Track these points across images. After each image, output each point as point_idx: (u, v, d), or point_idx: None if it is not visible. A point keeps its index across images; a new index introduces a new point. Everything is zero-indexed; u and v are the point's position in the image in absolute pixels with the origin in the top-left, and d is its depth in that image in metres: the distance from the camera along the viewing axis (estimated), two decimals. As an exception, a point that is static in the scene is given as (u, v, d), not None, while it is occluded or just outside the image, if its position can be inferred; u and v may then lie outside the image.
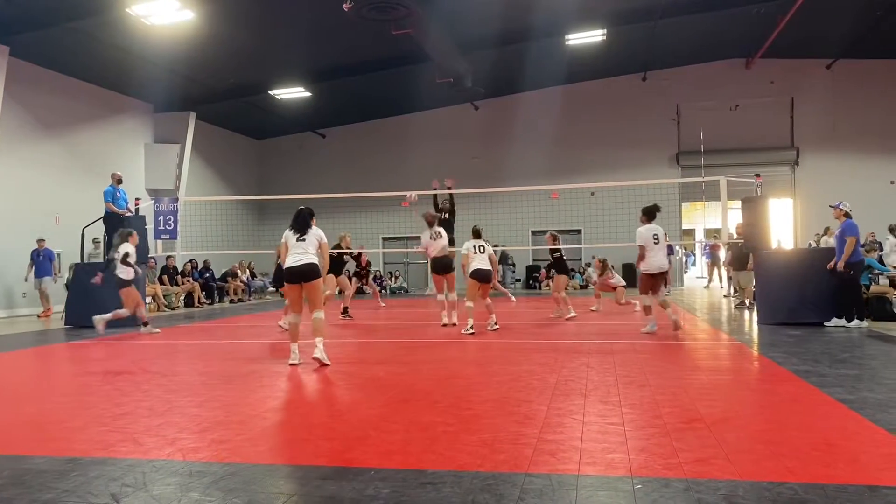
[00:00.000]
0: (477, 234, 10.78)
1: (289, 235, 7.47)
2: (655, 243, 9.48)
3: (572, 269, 18.06)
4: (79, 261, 13.66)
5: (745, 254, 13.33)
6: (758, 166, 18.34)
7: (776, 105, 22.96)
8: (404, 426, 4.48)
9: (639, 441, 3.97)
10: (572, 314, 12.11)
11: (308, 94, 20.81)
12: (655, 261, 9.51)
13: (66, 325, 12.60)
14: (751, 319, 11.72)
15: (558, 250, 12.48)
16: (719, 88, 23.00)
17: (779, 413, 4.74)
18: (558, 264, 12.46)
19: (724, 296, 17.81)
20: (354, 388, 6.00)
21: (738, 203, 12.38)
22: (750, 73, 22.82)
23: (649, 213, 9.75)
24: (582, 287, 22.60)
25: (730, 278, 17.13)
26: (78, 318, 12.33)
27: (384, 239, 23.91)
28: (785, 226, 22.59)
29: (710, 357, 7.74)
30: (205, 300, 18.98)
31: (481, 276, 10.31)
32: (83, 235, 13.58)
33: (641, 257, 9.59)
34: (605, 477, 3.36)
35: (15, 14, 13.80)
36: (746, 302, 14.07)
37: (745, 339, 8.99)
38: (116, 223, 13.05)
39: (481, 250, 10.44)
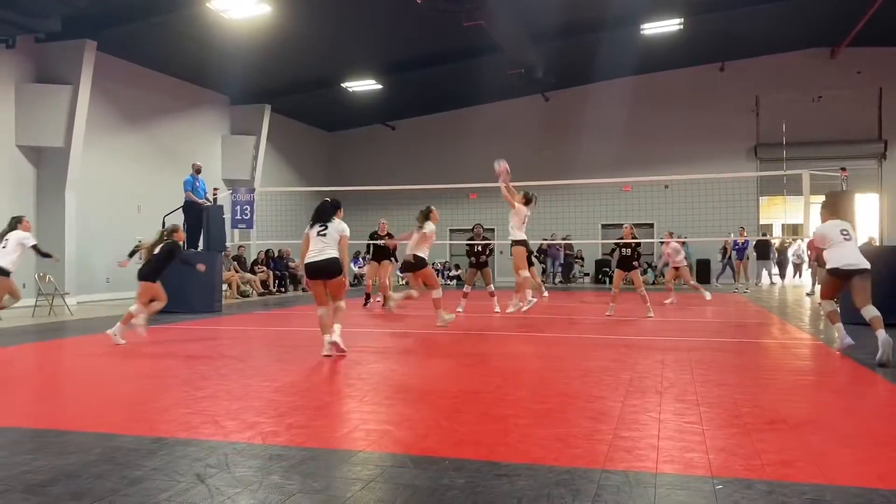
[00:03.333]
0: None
1: (311, 231, 7.28)
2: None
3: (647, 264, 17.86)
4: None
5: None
6: (842, 160, 17.57)
7: (863, 96, 21.96)
8: (475, 417, 4.48)
9: (718, 441, 3.87)
10: (651, 314, 11.38)
11: (379, 86, 21.00)
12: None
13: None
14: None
15: (637, 244, 11.85)
16: (802, 78, 22.14)
17: (866, 417, 4.55)
18: (629, 261, 11.81)
19: (807, 294, 17.19)
20: (425, 378, 6.04)
21: (822, 198, 11.88)
22: (835, 63, 21.90)
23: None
24: (652, 283, 22.29)
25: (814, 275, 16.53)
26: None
27: (451, 231, 23.92)
28: (871, 222, 21.62)
29: (790, 357, 7.48)
30: (279, 288, 19.44)
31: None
32: (164, 223, 14.05)
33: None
34: (684, 476, 3.28)
35: (102, 11, 14.38)
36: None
37: (827, 339, 8.65)
38: (196, 212, 13.51)
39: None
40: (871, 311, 6.86)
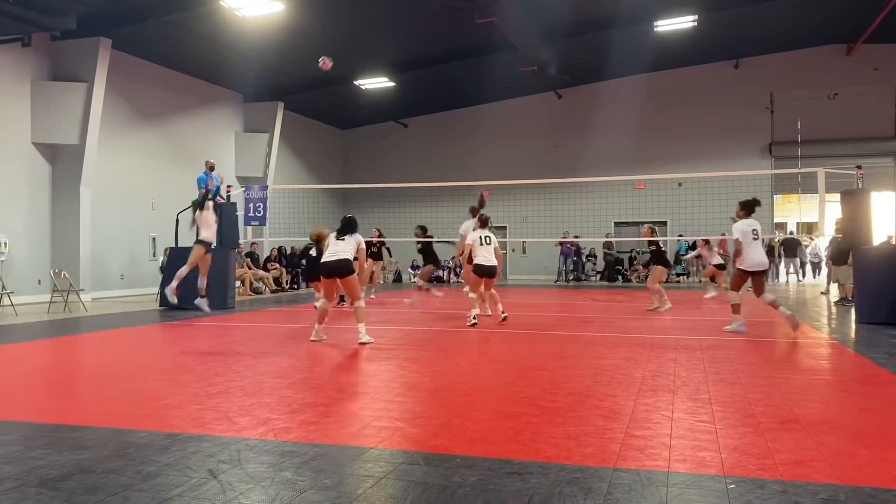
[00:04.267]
0: (484, 223, 10.29)
1: (331, 237, 8.29)
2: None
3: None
4: (173, 245, 14.22)
5: (844, 249, 12.73)
6: (858, 157, 17.44)
7: (879, 93, 21.74)
8: (488, 415, 4.48)
9: (731, 440, 3.85)
10: (668, 306, 11.90)
11: (392, 84, 21.01)
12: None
13: (160, 306, 13.17)
14: (849, 318, 11.18)
15: (656, 243, 12.31)
16: (817, 76, 21.95)
17: (881, 416, 4.50)
18: (658, 257, 12.22)
19: (822, 293, 17.10)
20: (437, 376, 6.04)
21: (837, 196, 11.81)
22: (851, 60, 21.69)
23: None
24: (677, 277, 22.42)
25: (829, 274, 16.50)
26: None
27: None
28: (887, 221, 21.41)
29: (804, 356, 7.42)
30: (292, 285, 19.51)
31: (484, 273, 9.94)
32: (177, 220, 14.15)
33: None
34: (696, 475, 3.27)
35: (117, 9, 14.49)
36: (848, 296, 13.43)
37: (842, 339, 8.59)
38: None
39: (487, 241, 9.97)
40: (768, 297, 8.70)
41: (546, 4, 16.26)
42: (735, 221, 8.94)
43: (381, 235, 16.15)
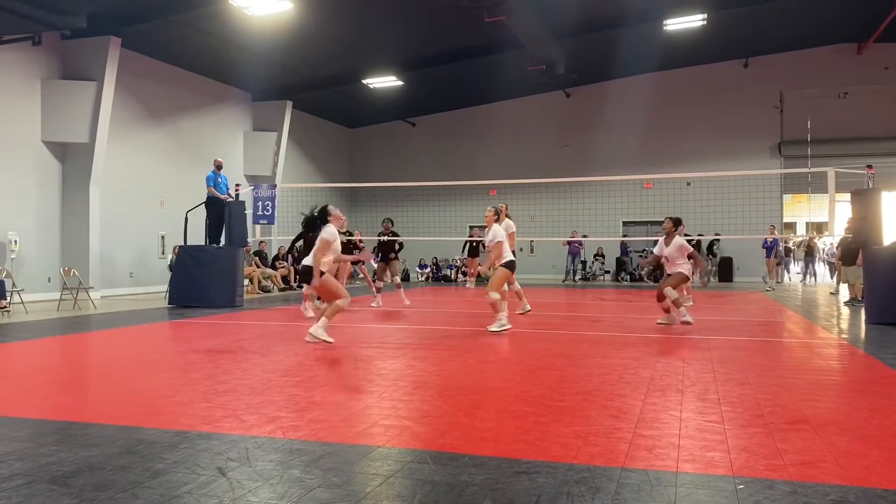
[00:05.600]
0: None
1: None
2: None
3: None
4: (182, 243, 14.26)
5: (854, 249, 12.66)
6: (869, 157, 17.33)
7: (890, 92, 21.60)
8: (496, 414, 4.48)
9: (740, 440, 3.83)
10: (690, 303, 12.72)
11: (399, 82, 21.01)
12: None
13: (168, 304, 13.22)
14: (859, 318, 11.12)
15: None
16: (827, 74, 21.83)
17: (891, 418, 4.47)
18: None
19: (831, 293, 17.03)
20: (444, 375, 6.04)
21: (847, 196, 11.74)
22: (861, 59, 21.56)
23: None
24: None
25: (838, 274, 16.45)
26: (180, 298, 12.93)
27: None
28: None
29: (814, 356, 7.38)
30: (300, 284, 19.52)
31: (514, 267, 9.06)
32: (186, 219, 14.19)
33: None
34: (705, 475, 3.26)
35: (127, 8, 14.54)
36: (858, 296, 13.36)
37: (852, 339, 8.54)
38: (218, 207, 13.61)
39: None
40: (674, 293, 9.47)
41: (554, 3, 16.22)
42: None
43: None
